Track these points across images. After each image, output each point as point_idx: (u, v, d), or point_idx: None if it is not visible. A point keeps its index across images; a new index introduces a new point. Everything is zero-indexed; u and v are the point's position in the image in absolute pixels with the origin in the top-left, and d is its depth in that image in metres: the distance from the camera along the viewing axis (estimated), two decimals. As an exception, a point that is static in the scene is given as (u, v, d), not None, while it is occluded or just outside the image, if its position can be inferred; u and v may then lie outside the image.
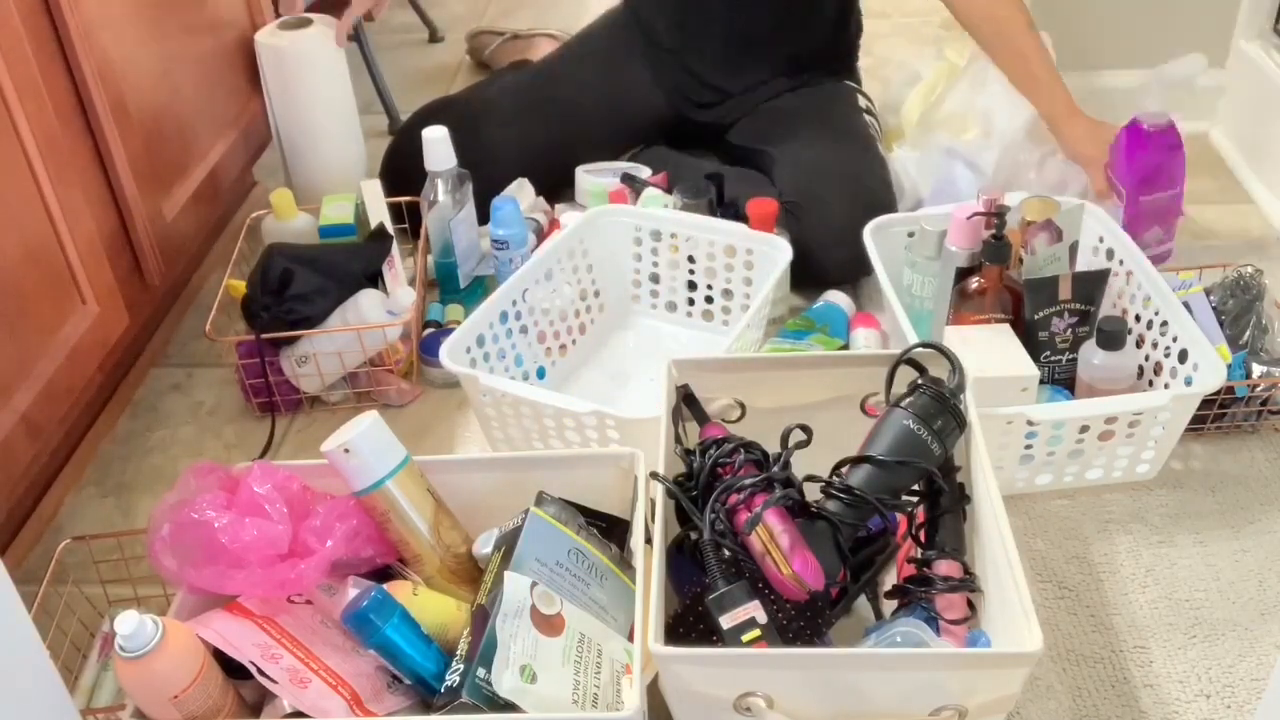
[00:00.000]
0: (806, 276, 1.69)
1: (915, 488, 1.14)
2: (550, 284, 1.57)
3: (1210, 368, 1.31)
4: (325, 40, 1.87)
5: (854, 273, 1.67)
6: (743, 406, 1.25)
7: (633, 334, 1.68)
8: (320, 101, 1.90)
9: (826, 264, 1.67)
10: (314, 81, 1.88)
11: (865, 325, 1.62)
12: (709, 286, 1.64)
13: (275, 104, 1.90)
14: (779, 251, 1.54)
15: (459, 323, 1.54)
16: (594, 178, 1.84)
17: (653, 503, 1.11)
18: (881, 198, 1.73)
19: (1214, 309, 1.47)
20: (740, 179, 1.78)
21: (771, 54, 1.84)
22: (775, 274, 1.51)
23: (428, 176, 1.67)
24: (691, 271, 1.64)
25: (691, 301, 1.67)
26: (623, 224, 1.65)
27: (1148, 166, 1.65)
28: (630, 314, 1.70)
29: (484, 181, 1.73)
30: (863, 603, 1.20)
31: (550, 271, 1.57)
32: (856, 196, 1.68)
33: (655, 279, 1.67)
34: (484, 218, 1.72)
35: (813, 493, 1.11)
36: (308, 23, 1.88)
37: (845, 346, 1.60)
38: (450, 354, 1.39)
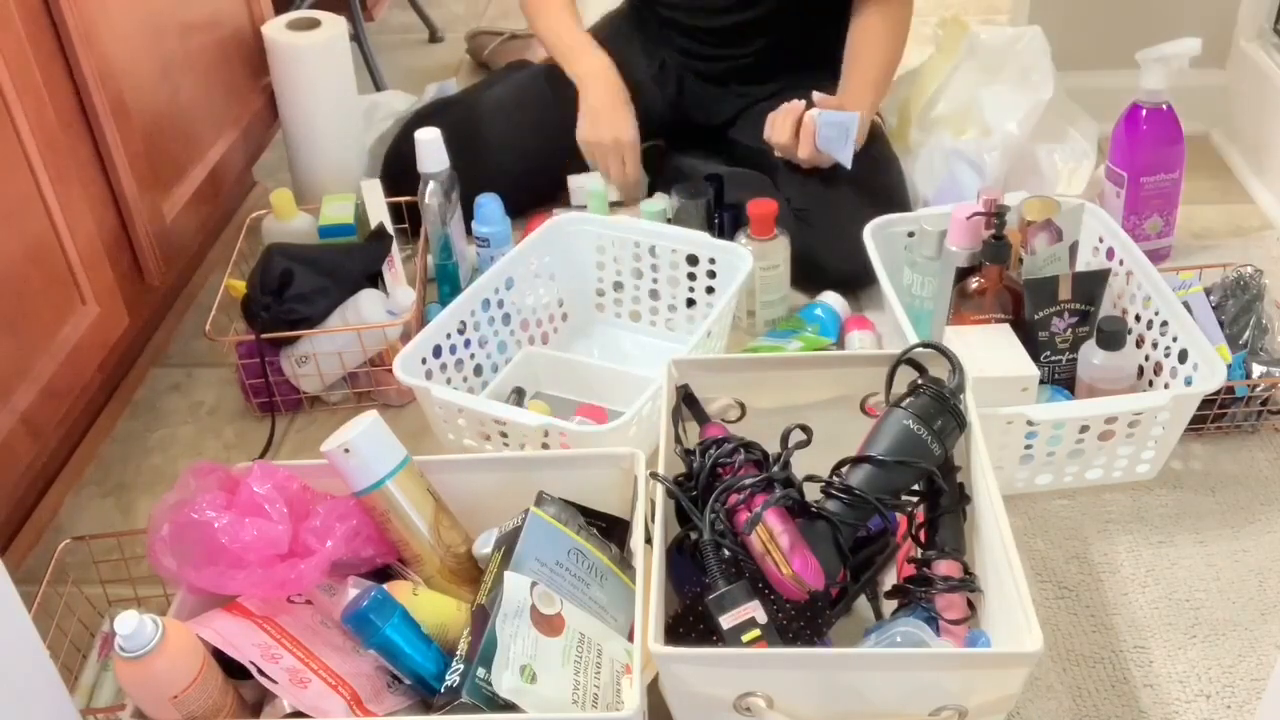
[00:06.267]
0: (815, 280, 1.68)
1: (915, 488, 1.14)
2: (525, 288, 1.58)
3: (1210, 368, 1.31)
4: (333, 41, 1.87)
5: (867, 276, 1.62)
6: (743, 406, 1.25)
7: (596, 343, 1.67)
8: (325, 102, 1.90)
9: (836, 269, 1.67)
10: (320, 82, 1.88)
11: (859, 328, 1.61)
12: (672, 295, 1.64)
13: (280, 101, 1.90)
14: (741, 260, 1.53)
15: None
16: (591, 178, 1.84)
17: (653, 503, 1.11)
18: (900, 196, 1.73)
19: (1214, 309, 1.47)
20: (740, 180, 1.78)
21: (774, 47, 1.84)
22: (737, 283, 1.51)
23: (421, 178, 1.67)
24: (655, 281, 1.63)
25: (655, 310, 1.66)
26: (586, 232, 1.64)
27: (1147, 148, 1.66)
28: (593, 322, 1.70)
29: (483, 182, 1.73)
30: (863, 603, 1.20)
31: (512, 280, 1.56)
32: (875, 199, 1.67)
33: (619, 287, 1.67)
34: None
35: (813, 493, 1.11)
36: (316, 24, 1.88)
37: (836, 346, 1.60)
38: (404, 366, 1.39)
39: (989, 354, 1.36)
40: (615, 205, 1.83)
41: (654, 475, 1.11)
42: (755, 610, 1.02)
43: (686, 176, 1.82)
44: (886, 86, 1.79)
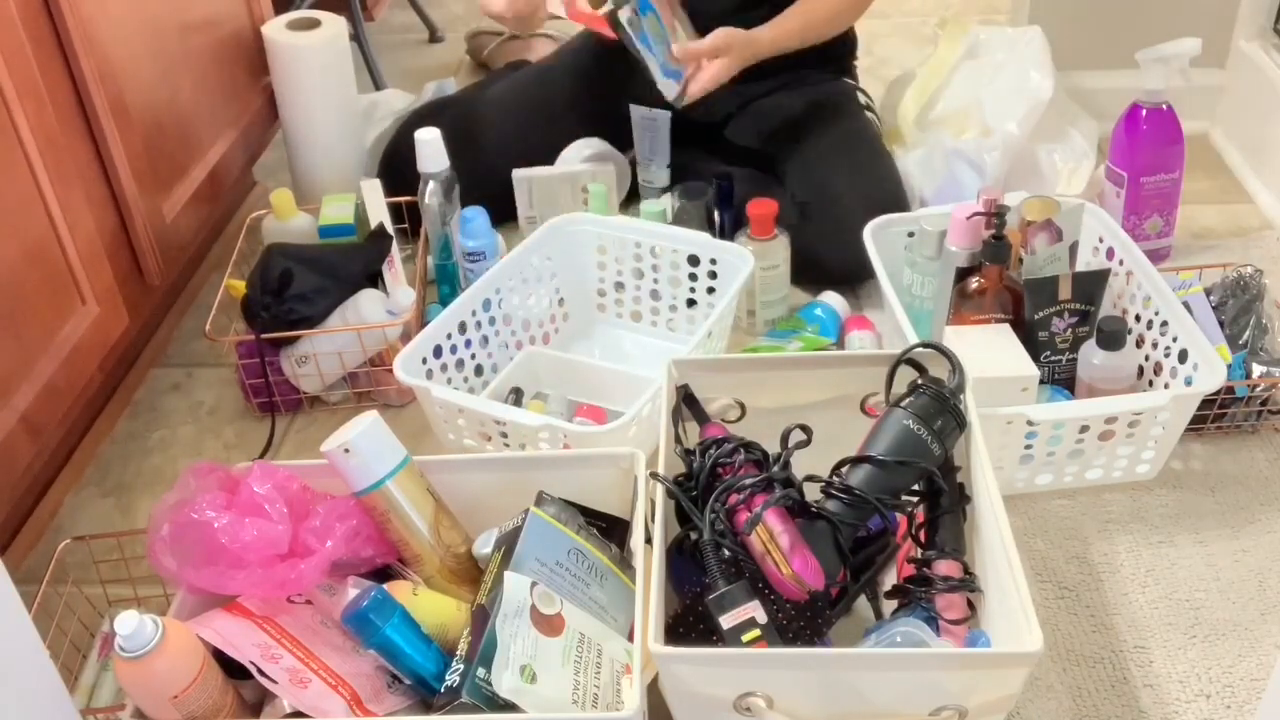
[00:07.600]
0: (815, 276, 1.68)
1: (915, 488, 1.14)
2: (525, 288, 1.57)
3: (1210, 368, 1.31)
4: (333, 41, 1.87)
5: (865, 271, 1.60)
6: (743, 406, 1.25)
7: (596, 343, 1.67)
8: (325, 101, 1.90)
9: (837, 263, 1.67)
10: (320, 82, 1.88)
11: (859, 327, 1.61)
12: (673, 296, 1.63)
13: (280, 101, 1.90)
14: (742, 261, 1.53)
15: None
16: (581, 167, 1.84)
17: (653, 503, 1.11)
18: (896, 196, 1.73)
19: (1214, 309, 1.47)
20: (749, 179, 1.78)
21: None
22: (738, 283, 1.51)
23: (421, 178, 1.67)
24: (655, 281, 1.63)
25: (655, 310, 1.66)
26: (586, 233, 1.64)
27: (1147, 148, 1.67)
28: (594, 323, 1.70)
29: (481, 182, 1.73)
30: (863, 603, 1.20)
31: (513, 280, 1.56)
32: (872, 196, 1.67)
33: (619, 288, 1.67)
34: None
35: (813, 493, 1.11)
36: (316, 24, 1.88)
37: (836, 346, 1.60)
38: (404, 366, 1.39)
39: (989, 354, 1.36)
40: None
41: (654, 475, 1.11)
42: (755, 610, 1.02)
43: (687, 174, 1.82)
44: (795, 39, 1.75)
